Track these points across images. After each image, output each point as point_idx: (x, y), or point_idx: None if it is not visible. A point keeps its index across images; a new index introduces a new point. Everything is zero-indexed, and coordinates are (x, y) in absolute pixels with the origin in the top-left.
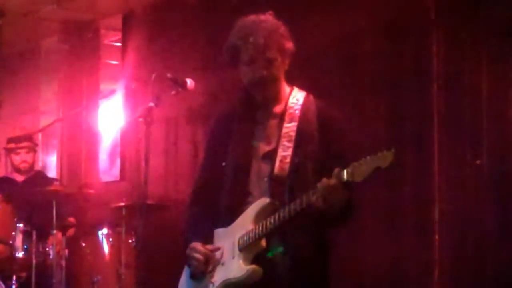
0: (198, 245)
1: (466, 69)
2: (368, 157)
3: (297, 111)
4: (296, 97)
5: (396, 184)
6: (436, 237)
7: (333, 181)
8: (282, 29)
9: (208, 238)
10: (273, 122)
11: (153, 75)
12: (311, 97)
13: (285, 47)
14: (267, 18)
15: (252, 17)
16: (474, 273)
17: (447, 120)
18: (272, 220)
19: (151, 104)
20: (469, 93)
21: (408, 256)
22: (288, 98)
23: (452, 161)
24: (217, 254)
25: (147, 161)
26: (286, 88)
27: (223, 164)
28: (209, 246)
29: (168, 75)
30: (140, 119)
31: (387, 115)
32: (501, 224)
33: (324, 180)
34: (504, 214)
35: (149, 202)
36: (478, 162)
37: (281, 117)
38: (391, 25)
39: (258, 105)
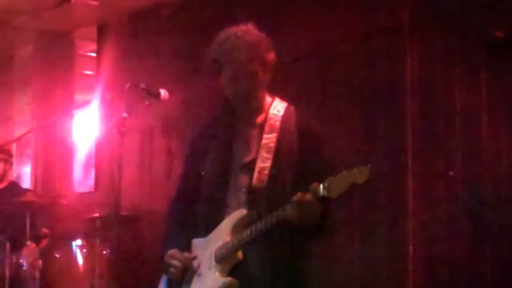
0: (176, 252)
1: (440, 82)
2: (344, 172)
3: (277, 122)
4: (277, 108)
5: (369, 196)
6: (410, 249)
7: (308, 196)
8: (264, 41)
9: (185, 249)
10: (253, 132)
11: (127, 86)
12: (292, 108)
13: (267, 60)
14: (249, 30)
15: (234, 30)
16: (447, 286)
17: (421, 132)
18: (248, 233)
19: (125, 114)
20: (443, 106)
21: (381, 269)
22: (269, 109)
23: (425, 173)
24: (195, 263)
25: (120, 171)
26: (267, 98)
27: (202, 173)
28: (187, 254)
29: (142, 85)
30: (114, 130)
31: (360, 127)
32: (474, 236)
33: (300, 194)
34: (477, 226)
35: (123, 213)
36: (451, 173)
37: (261, 128)
38: (365, 38)
39: (238, 115)
